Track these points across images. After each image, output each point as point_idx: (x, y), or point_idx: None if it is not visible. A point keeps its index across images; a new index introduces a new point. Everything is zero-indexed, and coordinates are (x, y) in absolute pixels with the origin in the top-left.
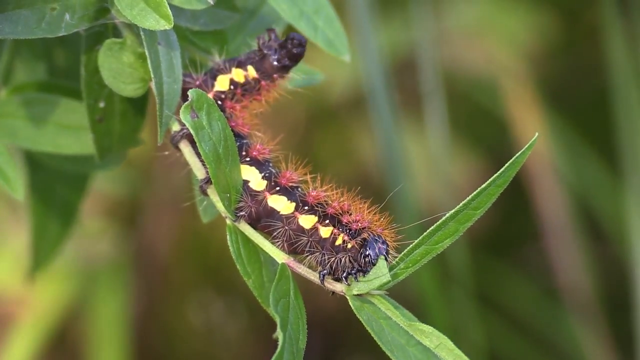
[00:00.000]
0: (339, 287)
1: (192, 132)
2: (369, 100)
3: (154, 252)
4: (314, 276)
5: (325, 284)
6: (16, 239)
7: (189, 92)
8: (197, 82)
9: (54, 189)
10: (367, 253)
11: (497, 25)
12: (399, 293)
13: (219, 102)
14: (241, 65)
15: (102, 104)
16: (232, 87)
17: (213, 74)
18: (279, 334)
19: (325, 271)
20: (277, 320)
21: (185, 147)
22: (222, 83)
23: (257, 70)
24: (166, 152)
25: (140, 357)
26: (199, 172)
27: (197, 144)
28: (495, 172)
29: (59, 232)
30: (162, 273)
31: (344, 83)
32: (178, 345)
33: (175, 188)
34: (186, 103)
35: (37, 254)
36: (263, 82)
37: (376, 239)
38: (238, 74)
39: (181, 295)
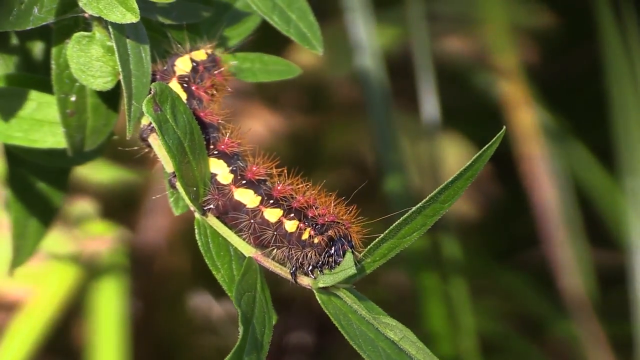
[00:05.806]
0: (305, 281)
1: (154, 125)
2: (364, 95)
3: (153, 250)
4: (281, 270)
5: (297, 279)
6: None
7: (152, 85)
8: (160, 72)
9: (34, 184)
10: (332, 253)
11: (495, 21)
12: (399, 302)
13: (185, 86)
14: (199, 48)
15: (73, 98)
16: (194, 65)
17: (172, 61)
18: (239, 328)
19: (294, 267)
20: (239, 314)
21: (154, 141)
22: (183, 64)
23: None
24: (135, 147)
25: (139, 356)
26: (168, 165)
27: (160, 138)
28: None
29: (39, 227)
30: (161, 272)
31: (342, 78)
32: (177, 344)
33: None
34: (149, 96)
35: (17, 250)
36: (217, 57)
37: (342, 239)
38: (198, 54)
39: (180, 294)
